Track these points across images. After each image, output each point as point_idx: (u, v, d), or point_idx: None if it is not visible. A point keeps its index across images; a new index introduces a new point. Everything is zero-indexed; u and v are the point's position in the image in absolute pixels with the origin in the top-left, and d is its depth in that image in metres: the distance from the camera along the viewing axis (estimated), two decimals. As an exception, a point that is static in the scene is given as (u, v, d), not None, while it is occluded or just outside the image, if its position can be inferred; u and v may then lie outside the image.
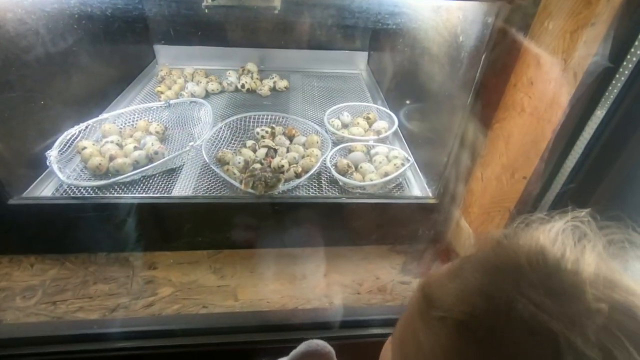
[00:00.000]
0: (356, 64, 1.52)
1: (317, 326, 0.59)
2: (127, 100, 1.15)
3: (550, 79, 0.50)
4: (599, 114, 0.39)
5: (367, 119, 1.06)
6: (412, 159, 0.86)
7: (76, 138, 0.87)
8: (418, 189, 0.83)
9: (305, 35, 1.44)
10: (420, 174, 0.85)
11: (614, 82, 0.37)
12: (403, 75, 1.04)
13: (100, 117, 0.96)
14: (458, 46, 0.66)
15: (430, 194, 0.78)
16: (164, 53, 1.43)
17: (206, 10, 1.16)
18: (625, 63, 0.36)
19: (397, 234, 0.80)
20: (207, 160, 0.81)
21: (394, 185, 0.84)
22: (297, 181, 0.78)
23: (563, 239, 0.22)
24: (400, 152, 0.90)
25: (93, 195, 0.74)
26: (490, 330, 0.20)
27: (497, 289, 0.21)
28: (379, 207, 0.77)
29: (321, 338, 0.57)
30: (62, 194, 0.75)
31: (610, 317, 0.18)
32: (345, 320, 0.59)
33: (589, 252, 0.21)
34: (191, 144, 0.80)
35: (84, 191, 0.75)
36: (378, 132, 0.99)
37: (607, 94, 0.38)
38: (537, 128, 0.53)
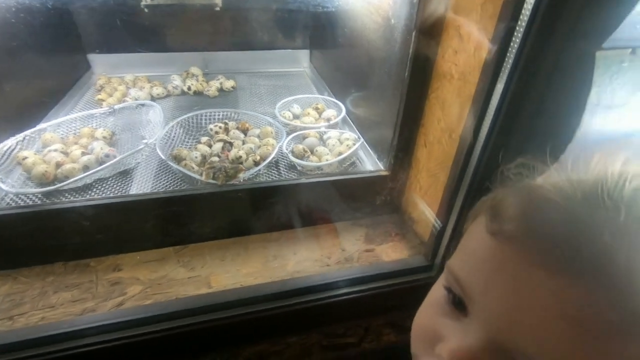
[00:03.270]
0: (299, 62, 1.57)
1: (295, 293, 0.62)
2: (65, 110, 1.10)
3: (470, 48, 0.59)
4: (506, 70, 0.46)
5: (316, 109, 1.11)
6: (362, 139, 0.92)
7: (14, 149, 0.82)
8: (370, 165, 0.89)
9: (246, 37, 1.47)
10: (370, 151, 0.91)
11: (513, 40, 0.45)
12: (345, 66, 1.11)
13: (38, 127, 0.91)
14: (391, 28, 0.74)
15: (382, 167, 0.85)
16: (100, 62, 1.37)
17: (146, 10, 1.16)
18: (519, 23, 0.44)
19: (356, 208, 0.86)
20: (163, 157, 0.81)
21: (348, 163, 0.90)
22: (257, 168, 0.81)
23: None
24: (350, 134, 0.96)
25: (42, 203, 0.71)
26: None
27: None
28: (337, 184, 0.81)
29: (299, 303, 0.61)
30: (7, 205, 0.70)
31: None
32: (321, 283, 0.63)
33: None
34: (145, 141, 0.79)
35: (32, 199, 0.71)
36: (328, 120, 1.04)
37: (508, 53, 0.45)
38: (465, 91, 0.61)
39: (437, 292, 0.34)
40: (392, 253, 0.78)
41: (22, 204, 0.71)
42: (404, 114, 0.74)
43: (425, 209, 0.77)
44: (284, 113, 1.07)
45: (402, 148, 0.79)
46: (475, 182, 0.51)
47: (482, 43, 0.55)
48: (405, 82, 0.70)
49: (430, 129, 0.73)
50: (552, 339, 0.23)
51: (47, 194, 0.73)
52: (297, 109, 1.11)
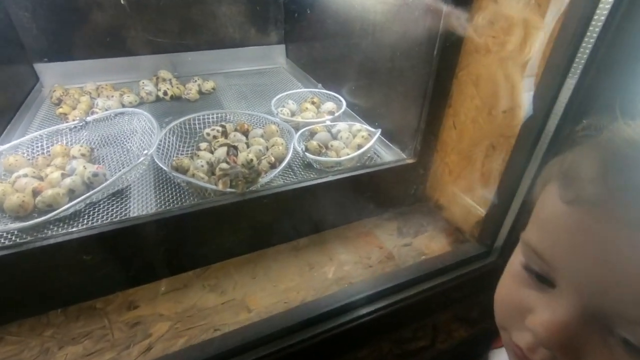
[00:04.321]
0: (274, 58, 1.49)
1: (353, 305, 0.55)
2: (20, 130, 0.93)
3: (512, 15, 0.56)
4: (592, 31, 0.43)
5: (313, 103, 1.05)
6: (377, 129, 0.87)
7: (-30, 180, 0.66)
8: (389, 154, 0.84)
9: (215, 34, 1.36)
10: (386, 140, 0.86)
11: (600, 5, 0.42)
12: (339, 56, 1.05)
13: (-5, 151, 0.75)
14: (411, 7, 0.69)
15: (405, 155, 0.80)
16: (49, 72, 1.19)
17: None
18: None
19: (383, 202, 0.81)
20: (165, 168, 0.70)
21: (366, 157, 0.84)
22: (276, 170, 0.72)
23: None
24: (361, 125, 0.90)
25: (24, 241, 0.57)
26: None
27: None
28: (363, 178, 0.75)
29: (360, 316, 0.54)
30: (-21, 249, 0.55)
31: None
32: (379, 290, 0.56)
33: None
34: (145, 152, 0.67)
35: (8, 238, 0.57)
36: (331, 113, 0.98)
37: (596, 16, 0.42)
38: (507, 64, 0.58)
39: (516, 263, 0.32)
40: (431, 244, 0.74)
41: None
42: (432, 96, 0.70)
43: (461, 193, 0.74)
44: (281, 110, 0.98)
45: (428, 132, 0.75)
46: (550, 155, 0.48)
47: (532, 7, 0.52)
48: (435, 61, 0.66)
49: (460, 109, 0.70)
50: None
51: (26, 229, 0.59)
52: (292, 105, 1.03)
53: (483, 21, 0.61)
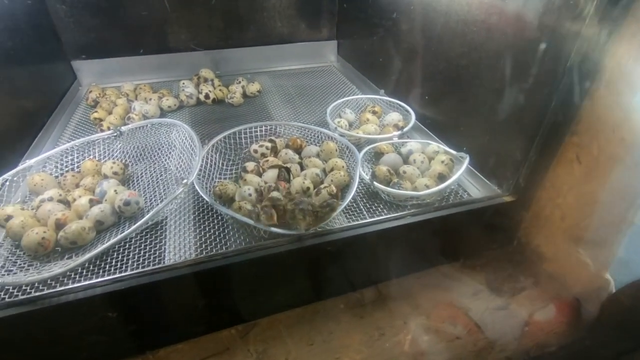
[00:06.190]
0: (324, 55, 1.35)
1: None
2: (52, 138, 0.85)
3: None
4: None
5: (374, 112, 0.89)
6: (464, 153, 0.70)
7: (-10, 204, 0.57)
8: (476, 187, 0.68)
9: (262, 29, 1.23)
10: (473, 169, 0.70)
11: None
12: (407, 55, 0.88)
13: (21, 166, 0.66)
14: (531, -1, 0.52)
15: (500, 191, 0.64)
16: (87, 70, 1.12)
17: None
18: None
19: (467, 246, 0.65)
20: (207, 199, 0.58)
21: (449, 190, 0.67)
22: (343, 203, 0.58)
23: None
24: (438, 146, 0.74)
25: (36, 295, 0.46)
26: None
27: None
28: (447, 219, 0.60)
29: None
30: (-13, 302, 0.46)
31: None
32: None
33: None
34: (184, 181, 0.55)
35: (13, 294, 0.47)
36: (399, 127, 0.82)
37: None
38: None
39: None
40: (536, 313, 0.57)
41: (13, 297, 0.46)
42: (554, 118, 0.53)
43: (580, 248, 0.57)
44: (339, 122, 0.84)
45: (539, 165, 0.58)
46: None
47: None
48: (566, 75, 0.49)
49: (593, 140, 0.52)
50: None
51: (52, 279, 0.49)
52: (350, 115, 0.89)
53: (653, 22, 0.43)
